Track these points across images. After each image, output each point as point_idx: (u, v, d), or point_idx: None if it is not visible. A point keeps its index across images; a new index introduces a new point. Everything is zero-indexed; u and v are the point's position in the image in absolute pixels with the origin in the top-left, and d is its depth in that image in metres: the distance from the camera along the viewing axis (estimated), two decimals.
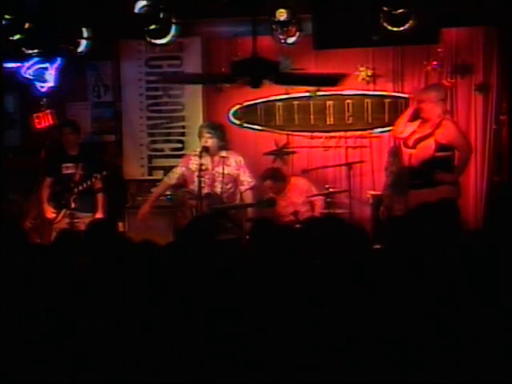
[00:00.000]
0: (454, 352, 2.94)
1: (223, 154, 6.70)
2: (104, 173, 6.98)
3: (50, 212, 7.14)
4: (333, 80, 6.44)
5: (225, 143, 6.76)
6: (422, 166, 6.42)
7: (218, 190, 6.60)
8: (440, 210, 4.45)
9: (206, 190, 6.56)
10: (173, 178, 6.95)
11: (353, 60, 7.59)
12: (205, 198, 6.49)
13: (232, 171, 6.69)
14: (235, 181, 6.73)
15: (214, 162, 6.67)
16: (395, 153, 6.87)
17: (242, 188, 6.73)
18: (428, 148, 6.43)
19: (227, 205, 6.65)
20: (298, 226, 6.58)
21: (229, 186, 6.70)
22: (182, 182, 6.92)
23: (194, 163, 6.73)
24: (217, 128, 6.81)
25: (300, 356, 2.98)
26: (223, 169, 6.62)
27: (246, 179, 6.72)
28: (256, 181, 6.84)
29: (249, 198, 6.75)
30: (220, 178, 6.60)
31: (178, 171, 6.91)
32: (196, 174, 6.61)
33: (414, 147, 6.47)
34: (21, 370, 3.10)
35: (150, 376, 3.02)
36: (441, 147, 6.45)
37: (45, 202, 7.18)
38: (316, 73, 7.32)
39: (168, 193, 7.56)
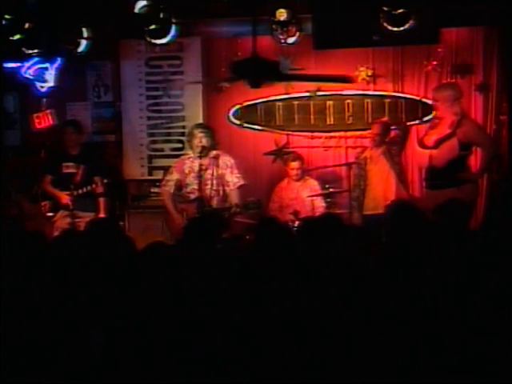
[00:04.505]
0: (455, 352, 2.94)
1: (213, 154, 6.65)
2: (105, 180, 6.98)
3: (47, 208, 7.16)
4: (343, 79, 6.47)
5: (215, 143, 6.74)
6: (446, 166, 6.41)
7: (209, 192, 6.56)
8: (452, 210, 4.44)
9: (196, 194, 6.54)
10: (170, 186, 6.82)
11: (353, 60, 7.59)
12: (194, 202, 6.50)
13: (221, 172, 6.63)
14: (223, 181, 6.68)
15: (205, 164, 6.60)
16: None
17: (227, 189, 6.63)
18: (453, 148, 6.41)
19: (215, 208, 6.55)
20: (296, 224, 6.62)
21: (219, 188, 6.65)
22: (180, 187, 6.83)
23: (187, 166, 6.71)
24: (208, 128, 6.82)
25: (300, 356, 2.98)
26: (213, 170, 6.58)
27: (232, 180, 6.61)
28: (244, 181, 6.69)
29: (235, 198, 6.60)
30: (210, 181, 6.57)
31: (174, 178, 6.80)
32: (191, 176, 6.61)
33: (435, 147, 6.44)
34: (21, 370, 3.10)
35: (150, 376, 3.02)
36: (463, 146, 6.45)
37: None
38: (326, 74, 7.29)
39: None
